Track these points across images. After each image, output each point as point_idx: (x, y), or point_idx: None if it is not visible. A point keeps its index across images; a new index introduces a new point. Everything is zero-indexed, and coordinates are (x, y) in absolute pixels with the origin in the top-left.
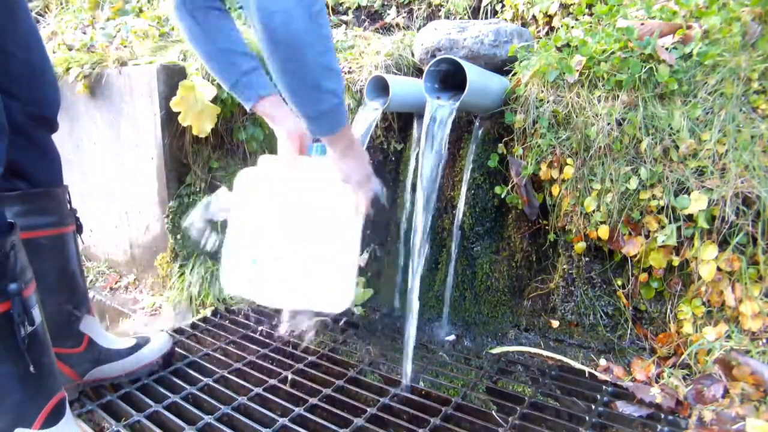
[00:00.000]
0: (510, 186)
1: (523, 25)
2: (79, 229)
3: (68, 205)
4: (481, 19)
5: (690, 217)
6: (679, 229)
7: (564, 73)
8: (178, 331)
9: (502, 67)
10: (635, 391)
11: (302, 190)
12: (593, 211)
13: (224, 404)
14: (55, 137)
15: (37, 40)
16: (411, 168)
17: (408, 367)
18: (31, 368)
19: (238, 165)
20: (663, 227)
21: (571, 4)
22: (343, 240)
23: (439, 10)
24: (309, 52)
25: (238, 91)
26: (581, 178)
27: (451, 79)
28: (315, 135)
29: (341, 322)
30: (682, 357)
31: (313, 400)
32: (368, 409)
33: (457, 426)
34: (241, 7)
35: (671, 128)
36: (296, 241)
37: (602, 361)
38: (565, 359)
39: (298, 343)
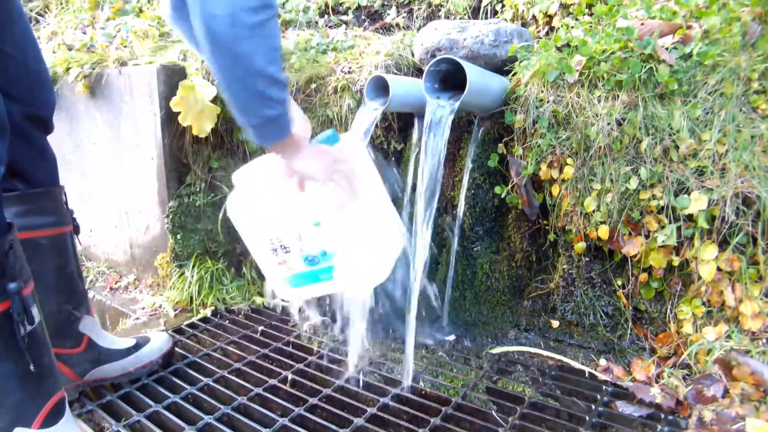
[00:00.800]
0: (510, 186)
1: (523, 25)
2: (77, 229)
3: (66, 206)
4: (481, 19)
5: (690, 217)
6: (679, 229)
7: (564, 73)
8: (178, 331)
9: (502, 67)
10: (635, 391)
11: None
12: (593, 211)
13: (224, 404)
14: (55, 137)
15: (32, 40)
16: (411, 168)
17: (408, 367)
18: (31, 367)
19: (238, 165)
20: (663, 227)
21: (571, 4)
22: (370, 193)
23: (439, 10)
24: (251, 60)
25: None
26: (581, 178)
27: (451, 79)
28: (260, 145)
29: (341, 322)
30: (682, 357)
31: (313, 400)
32: (368, 409)
33: (457, 426)
34: None
35: (671, 128)
36: (327, 218)
37: (602, 361)
38: (565, 359)
39: (298, 343)
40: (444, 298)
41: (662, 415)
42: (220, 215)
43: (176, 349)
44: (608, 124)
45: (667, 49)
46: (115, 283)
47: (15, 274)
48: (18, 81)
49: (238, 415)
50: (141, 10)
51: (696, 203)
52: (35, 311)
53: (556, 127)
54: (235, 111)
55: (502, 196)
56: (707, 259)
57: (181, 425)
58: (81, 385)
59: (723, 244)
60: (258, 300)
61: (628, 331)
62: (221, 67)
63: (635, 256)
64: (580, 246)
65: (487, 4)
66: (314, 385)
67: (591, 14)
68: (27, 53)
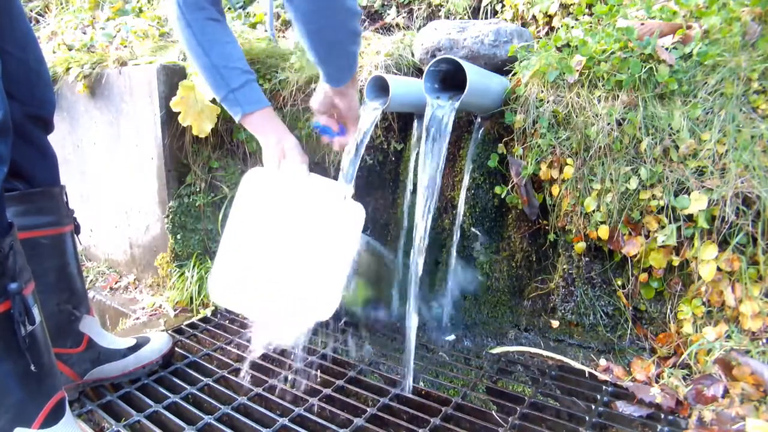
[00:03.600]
0: (510, 186)
1: (523, 25)
2: (77, 229)
3: (66, 205)
4: (481, 19)
5: (690, 217)
6: (679, 229)
7: (564, 73)
8: (178, 331)
9: (502, 67)
10: (635, 391)
11: (305, 203)
12: (593, 211)
13: (224, 404)
14: (55, 137)
15: (33, 40)
16: (411, 168)
17: (408, 367)
18: (32, 367)
19: (238, 165)
20: (663, 227)
21: (571, 4)
22: (340, 254)
23: (439, 10)
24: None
25: (226, 105)
26: (581, 178)
27: (451, 79)
28: (338, 84)
29: (341, 322)
30: (682, 357)
31: (313, 400)
32: (368, 409)
33: (457, 426)
34: (242, 7)
35: (671, 128)
36: (291, 251)
37: (602, 361)
38: (565, 359)
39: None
40: (444, 298)
41: (662, 415)
42: (220, 215)
43: (176, 349)
44: (608, 124)
45: (667, 49)
46: (115, 283)
47: (16, 274)
48: (19, 80)
49: (238, 415)
50: (141, 10)
51: (696, 203)
52: (36, 311)
53: (556, 127)
54: (334, 54)
55: (502, 196)
56: (707, 259)
57: (181, 425)
58: (81, 385)
59: (723, 244)
60: None
61: (628, 331)
62: (333, 12)
63: (635, 256)
64: (580, 246)
65: (487, 4)
66: (314, 385)
67: (591, 14)
68: (28, 53)
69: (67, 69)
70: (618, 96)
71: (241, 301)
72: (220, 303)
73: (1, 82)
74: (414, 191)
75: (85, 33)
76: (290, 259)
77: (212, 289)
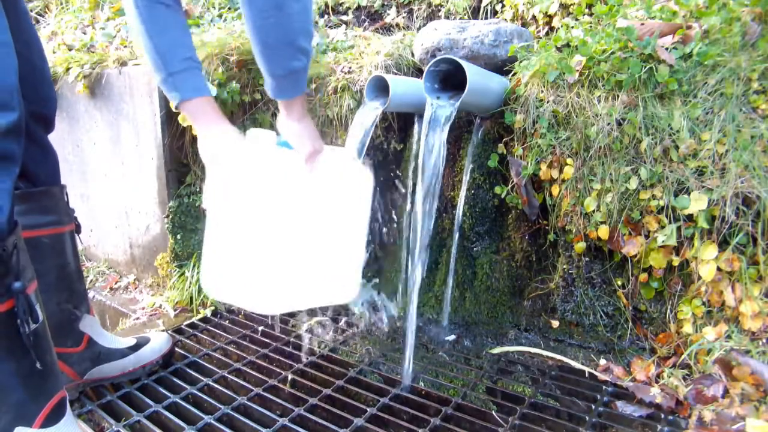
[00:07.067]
0: (510, 186)
1: (523, 25)
2: (78, 228)
3: (66, 205)
4: (481, 19)
5: (690, 217)
6: (679, 229)
7: (564, 73)
8: (178, 331)
9: (502, 67)
10: (635, 391)
11: (303, 180)
12: (593, 211)
13: (224, 404)
14: (55, 137)
15: (36, 38)
16: (411, 168)
17: (408, 367)
18: (38, 365)
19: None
20: (663, 227)
21: (571, 4)
22: (352, 229)
23: (439, 10)
24: (292, 6)
25: (164, 89)
26: (581, 178)
27: (451, 79)
28: (277, 97)
29: (341, 322)
30: (682, 357)
31: (313, 400)
32: (368, 409)
33: (457, 426)
34: None
35: (671, 128)
36: (298, 233)
37: (602, 361)
38: (565, 359)
39: (298, 343)
40: (444, 298)
41: (662, 415)
42: None
43: (176, 349)
44: (608, 124)
45: (667, 49)
46: (115, 283)
47: (19, 272)
48: (24, 78)
49: (238, 415)
50: None
51: (696, 203)
52: (39, 309)
53: (556, 127)
54: (264, 58)
55: (502, 196)
56: (707, 259)
57: (181, 425)
58: (81, 384)
59: (723, 244)
60: None
61: (628, 331)
62: (259, 11)
63: (635, 256)
64: (580, 246)
65: (487, 4)
66: (314, 385)
67: (591, 14)
68: (33, 51)
69: (67, 69)
70: (618, 96)
71: (243, 294)
72: (217, 298)
73: (18, 83)
74: (414, 191)
75: (85, 33)
76: (298, 241)
77: (206, 285)
